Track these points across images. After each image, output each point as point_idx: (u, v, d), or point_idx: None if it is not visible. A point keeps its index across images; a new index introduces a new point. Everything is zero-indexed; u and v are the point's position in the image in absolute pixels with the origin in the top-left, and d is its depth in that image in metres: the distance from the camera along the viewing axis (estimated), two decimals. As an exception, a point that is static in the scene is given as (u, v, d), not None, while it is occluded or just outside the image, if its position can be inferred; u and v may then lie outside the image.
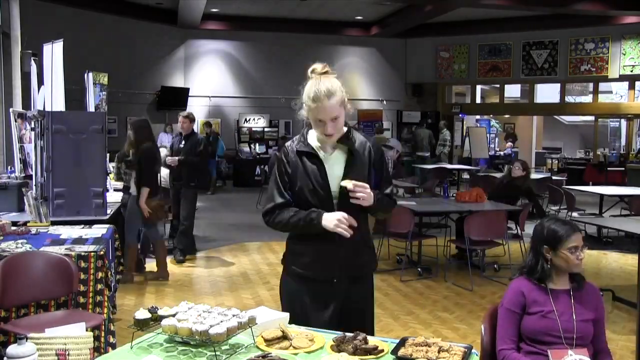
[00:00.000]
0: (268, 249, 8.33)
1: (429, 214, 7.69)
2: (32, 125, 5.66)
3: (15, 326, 3.46)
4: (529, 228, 9.93)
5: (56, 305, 3.88)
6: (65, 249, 4.00)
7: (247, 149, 16.89)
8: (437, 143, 16.88)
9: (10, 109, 6.87)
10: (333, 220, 2.54)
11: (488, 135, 20.33)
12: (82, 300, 3.87)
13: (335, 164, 2.67)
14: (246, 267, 7.28)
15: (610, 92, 19.99)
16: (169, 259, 7.16)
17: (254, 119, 17.60)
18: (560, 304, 2.69)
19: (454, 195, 7.87)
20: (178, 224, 7.69)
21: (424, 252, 7.40)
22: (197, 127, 15.64)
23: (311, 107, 2.67)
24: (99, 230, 4.67)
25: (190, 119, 7.59)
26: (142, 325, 2.56)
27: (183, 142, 7.46)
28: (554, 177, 11.96)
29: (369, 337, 2.49)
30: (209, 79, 17.54)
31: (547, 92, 19.04)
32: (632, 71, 16.15)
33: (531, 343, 2.68)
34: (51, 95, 5.86)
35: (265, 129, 17.65)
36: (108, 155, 6.50)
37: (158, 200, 6.52)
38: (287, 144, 2.80)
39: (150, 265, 6.97)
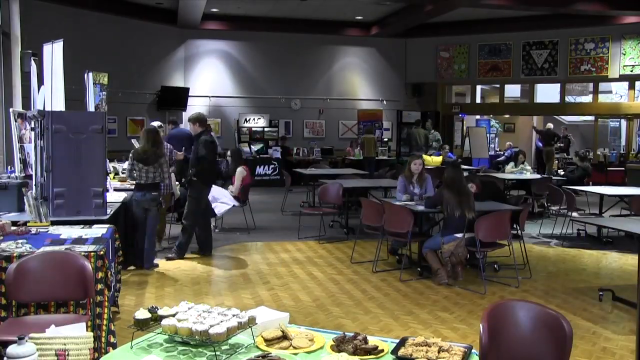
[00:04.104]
0: (268, 249, 8.33)
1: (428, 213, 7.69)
2: (32, 125, 5.66)
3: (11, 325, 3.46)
4: (529, 228, 9.91)
5: (56, 305, 3.88)
6: (65, 249, 4.00)
7: (247, 148, 16.88)
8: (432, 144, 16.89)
9: (10, 109, 6.87)
10: None
11: (488, 135, 20.34)
12: (82, 300, 3.87)
13: None
14: (246, 267, 7.28)
15: (610, 92, 20.00)
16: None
17: (254, 119, 17.60)
18: None
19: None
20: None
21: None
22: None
23: None
24: (99, 230, 4.67)
25: (192, 120, 7.61)
26: (142, 325, 2.57)
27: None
28: (554, 177, 11.95)
29: (368, 337, 2.50)
30: (209, 78, 17.54)
31: (547, 92, 19.04)
32: (632, 71, 16.16)
33: None
34: (51, 95, 5.86)
35: (265, 129, 17.65)
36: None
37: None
38: None
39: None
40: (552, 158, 16.57)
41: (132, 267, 6.89)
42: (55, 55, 5.85)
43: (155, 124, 8.27)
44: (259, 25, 17.06)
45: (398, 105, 18.95)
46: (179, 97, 16.61)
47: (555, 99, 18.07)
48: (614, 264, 7.84)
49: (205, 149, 7.44)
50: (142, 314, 2.60)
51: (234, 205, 8.98)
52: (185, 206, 7.62)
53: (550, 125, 17.61)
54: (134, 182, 6.85)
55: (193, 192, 7.53)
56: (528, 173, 11.76)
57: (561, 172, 14.66)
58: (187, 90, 16.83)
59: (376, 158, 15.66)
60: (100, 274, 3.92)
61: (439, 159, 14.57)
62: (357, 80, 18.81)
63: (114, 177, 8.00)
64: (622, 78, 16.61)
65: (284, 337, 2.51)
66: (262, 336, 2.52)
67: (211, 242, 7.86)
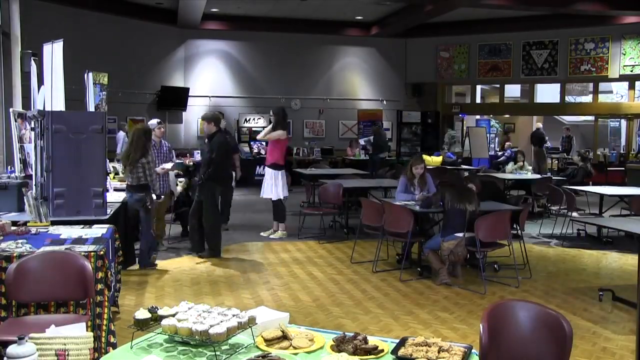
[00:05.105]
0: (268, 249, 8.33)
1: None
2: (32, 125, 5.66)
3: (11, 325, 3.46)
4: (529, 228, 9.90)
5: (56, 305, 3.88)
6: (65, 249, 4.00)
7: (247, 148, 16.88)
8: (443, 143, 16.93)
9: (10, 109, 6.87)
10: None
11: (488, 135, 20.33)
12: (82, 300, 3.87)
13: None
14: (246, 267, 7.28)
15: (610, 92, 20.00)
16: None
17: (254, 119, 17.60)
18: None
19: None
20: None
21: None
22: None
23: None
24: (99, 230, 4.67)
25: (207, 119, 7.63)
26: (142, 325, 2.57)
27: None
28: (554, 177, 11.95)
29: (368, 337, 2.50)
30: (209, 79, 17.55)
31: (547, 92, 19.05)
32: (632, 71, 16.16)
33: None
34: (51, 95, 5.86)
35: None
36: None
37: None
38: None
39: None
40: (541, 158, 16.46)
41: (132, 268, 6.89)
42: (55, 55, 5.85)
43: (154, 121, 8.27)
44: (259, 25, 17.06)
45: (398, 105, 18.95)
46: (179, 97, 16.61)
47: (555, 99, 18.07)
48: (614, 264, 7.84)
49: (218, 151, 7.50)
50: (142, 314, 2.60)
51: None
52: (203, 209, 7.59)
53: (539, 125, 17.62)
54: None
55: (206, 193, 7.53)
56: (528, 173, 11.76)
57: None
58: (187, 90, 16.84)
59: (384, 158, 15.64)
60: (100, 274, 3.92)
61: (439, 159, 14.58)
62: (357, 80, 18.81)
63: (114, 177, 8.00)
64: (622, 78, 16.62)
65: (284, 337, 2.51)
66: (262, 336, 2.52)
67: (204, 243, 7.82)
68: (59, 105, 5.81)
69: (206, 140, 7.98)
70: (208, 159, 7.52)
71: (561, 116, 21.75)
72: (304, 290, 6.31)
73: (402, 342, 2.48)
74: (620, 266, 7.68)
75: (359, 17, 17.44)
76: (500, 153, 18.80)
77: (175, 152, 9.89)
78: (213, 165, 7.46)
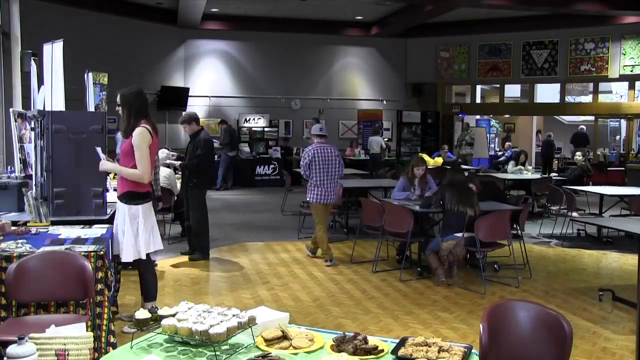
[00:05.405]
0: (268, 249, 8.33)
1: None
2: (32, 125, 5.65)
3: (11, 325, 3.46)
4: (529, 228, 9.89)
5: (56, 305, 3.88)
6: (65, 249, 3.99)
7: (247, 148, 16.89)
8: (463, 144, 16.95)
9: (10, 109, 6.86)
10: None
11: (488, 135, 20.33)
12: (82, 300, 3.87)
13: None
14: (246, 267, 7.28)
15: (610, 92, 20.00)
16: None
17: (254, 119, 17.61)
18: None
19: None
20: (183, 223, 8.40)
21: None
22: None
23: None
24: (99, 230, 4.66)
25: (187, 121, 7.58)
26: (142, 325, 2.57)
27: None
28: (554, 177, 11.95)
29: (368, 337, 2.50)
30: (209, 79, 17.54)
31: (547, 92, 19.05)
32: (632, 71, 16.16)
33: None
34: (51, 95, 5.86)
35: (265, 129, 17.66)
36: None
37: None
38: None
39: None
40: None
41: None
42: (55, 55, 5.85)
43: None
44: (259, 25, 17.06)
45: (398, 105, 18.95)
46: (179, 97, 16.61)
47: (555, 99, 18.07)
48: (614, 264, 7.85)
49: (205, 147, 7.45)
50: (142, 314, 2.60)
51: None
52: (190, 209, 7.57)
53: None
54: None
55: (196, 193, 7.51)
56: (529, 173, 11.76)
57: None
58: (187, 90, 16.83)
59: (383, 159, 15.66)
60: (100, 274, 3.92)
61: (440, 159, 14.58)
62: (357, 80, 18.81)
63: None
64: (622, 78, 16.61)
65: (284, 337, 2.51)
66: (262, 336, 2.52)
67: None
68: (59, 105, 5.81)
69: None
70: (194, 158, 7.42)
71: (561, 116, 21.76)
72: (304, 290, 6.31)
73: (402, 342, 2.48)
74: (620, 266, 7.68)
75: (359, 17, 17.44)
76: (500, 153, 18.83)
77: (175, 152, 9.90)
78: (198, 159, 7.35)
